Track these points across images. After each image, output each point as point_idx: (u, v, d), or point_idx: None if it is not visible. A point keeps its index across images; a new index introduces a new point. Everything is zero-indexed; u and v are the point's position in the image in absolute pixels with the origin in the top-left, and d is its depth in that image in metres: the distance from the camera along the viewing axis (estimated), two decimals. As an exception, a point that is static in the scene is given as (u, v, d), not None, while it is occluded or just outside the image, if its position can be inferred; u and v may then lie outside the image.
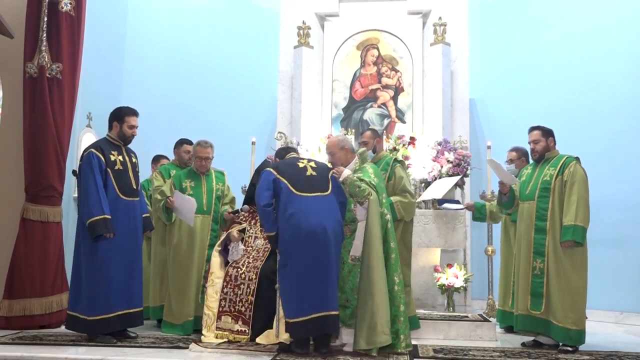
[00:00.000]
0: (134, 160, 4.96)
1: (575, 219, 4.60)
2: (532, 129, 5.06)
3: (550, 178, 4.82)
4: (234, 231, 5.12)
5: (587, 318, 4.74)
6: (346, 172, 4.53)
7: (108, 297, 4.54)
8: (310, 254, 4.22)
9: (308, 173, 4.50)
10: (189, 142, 5.77)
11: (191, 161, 5.63)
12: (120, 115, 4.89)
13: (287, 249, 4.30)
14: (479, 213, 5.85)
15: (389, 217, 4.59)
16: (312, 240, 4.23)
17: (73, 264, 4.73)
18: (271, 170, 4.48)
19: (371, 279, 4.31)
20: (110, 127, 4.92)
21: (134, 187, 4.86)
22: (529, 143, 5.06)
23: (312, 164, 4.60)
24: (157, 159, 6.22)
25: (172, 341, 4.69)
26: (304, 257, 4.23)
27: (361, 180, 4.53)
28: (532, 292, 4.77)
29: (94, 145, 4.79)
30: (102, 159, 4.68)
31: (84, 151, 4.79)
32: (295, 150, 5.07)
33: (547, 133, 5.00)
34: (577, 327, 4.57)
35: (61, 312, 5.37)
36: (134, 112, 4.95)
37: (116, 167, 4.74)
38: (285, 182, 4.38)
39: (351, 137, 6.98)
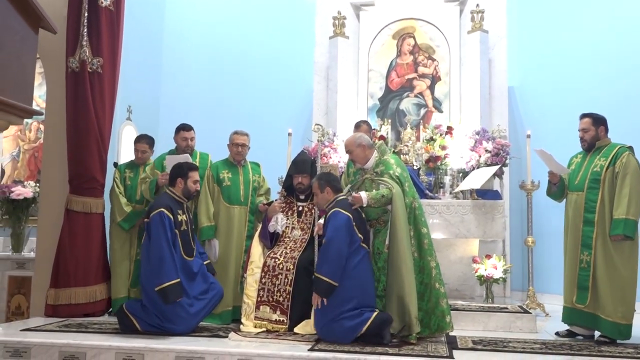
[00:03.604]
0: (190, 216, 4.98)
1: (627, 213, 4.43)
2: (583, 116, 4.86)
3: (600, 169, 4.64)
4: (275, 203, 5.15)
5: (635, 311, 4.59)
6: (363, 195, 4.54)
7: (165, 326, 4.54)
8: (361, 302, 4.38)
9: (367, 227, 4.61)
10: (187, 128, 5.72)
11: (189, 148, 5.67)
12: (184, 171, 4.89)
13: (340, 293, 4.35)
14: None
15: (416, 204, 4.62)
16: (367, 294, 4.43)
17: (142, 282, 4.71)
18: (350, 217, 4.42)
19: (399, 270, 4.37)
20: (174, 184, 4.88)
21: (193, 246, 4.89)
22: (579, 131, 4.86)
23: (363, 215, 4.64)
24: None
25: (212, 330, 4.76)
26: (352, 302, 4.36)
27: (383, 174, 4.60)
28: (578, 285, 4.66)
29: (165, 205, 4.67)
30: (172, 220, 4.63)
31: (153, 208, 4.67)
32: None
33: (598, 121, 4.78)
34: (627, 322, 4.47)
35: (104, 301, 5.52)
36: (195, 167, 5.01)
37: (182, 228, 4.76)
38: (360, 235, 4.45)
39: (387, 127, 6.95)
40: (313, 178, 5.11)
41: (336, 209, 4.48)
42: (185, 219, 4.81)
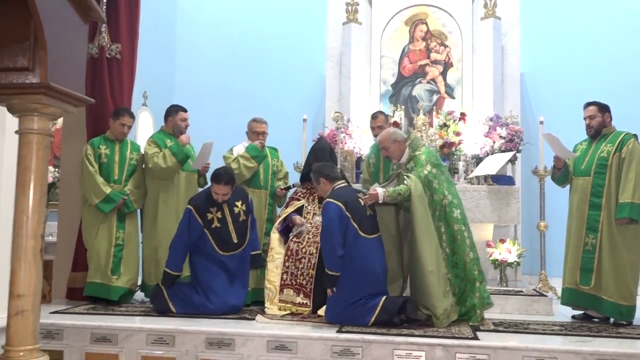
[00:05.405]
0: (236, 210, 4.94)
1: (632, 197, 4.58)
2: (588, 104, 5.01)
3: (607, 154, 4.78)
4: (297, 218, 5.09)
5: (638, 295, 4.73)
6: (379, 191, 4.50)
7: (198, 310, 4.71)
8: (367, 291, 4.38)
9: (368, 213, 4.54)
10: (185, 109, 5.59)
11: (186, 129, 5.56)
12: (216, 179, 4.84)
13: (346, 285, 4.38)
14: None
15: (446, 201, 4.55)
16: (373, 282, 4.41)
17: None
18: (341, 207, 4.38)
19: (418, 273, 4.42)
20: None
21: (236, 240, 4.90)
22: (585, 119, 5.00)
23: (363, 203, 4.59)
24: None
25: (238, 312, 4.83)
26: (359, 292, 4.37)
27: (412, 172, 4.55)
28: (581, 267, 4.79)
29: (193, 203, 4.87)
30: (198, 220, 4.79)
31: (188, 202, 4.92)
32: (339, 171, 4.94)
33: (604, 108, 4.94)
34: (627, 303, 4.60)
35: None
36: (218, 180, 4.83)
37: (213, 226, 4.83)
38: (354, 224, 4.39)
39: (400, 113, 7.01)
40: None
41: (328, 199, 4.48)
42: (219, 216, 4.86)
